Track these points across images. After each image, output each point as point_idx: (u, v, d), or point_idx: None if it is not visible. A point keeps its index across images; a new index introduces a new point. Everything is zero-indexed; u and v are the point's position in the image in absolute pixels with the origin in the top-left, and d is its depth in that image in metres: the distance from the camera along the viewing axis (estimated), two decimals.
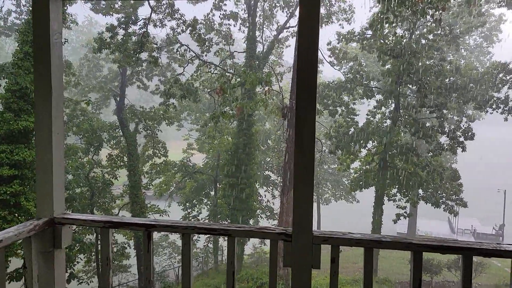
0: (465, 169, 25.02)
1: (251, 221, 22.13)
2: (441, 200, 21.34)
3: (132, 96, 25.61)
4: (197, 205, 25.47)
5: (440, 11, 11.55)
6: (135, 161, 21.41)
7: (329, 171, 33.27)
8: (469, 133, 20.15)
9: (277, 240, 2.52)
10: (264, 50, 21.60)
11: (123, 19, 18.53)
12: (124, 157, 21.82)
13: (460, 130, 20.33)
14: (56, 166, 2.50)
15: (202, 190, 25.66)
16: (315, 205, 32.92)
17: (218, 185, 25.33)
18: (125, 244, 20.54)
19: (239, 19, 22.09)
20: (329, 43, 22.21)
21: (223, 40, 22.42)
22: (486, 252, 2.30)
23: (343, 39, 20.90)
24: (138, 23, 18.41)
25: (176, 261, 24.19)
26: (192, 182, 25.68)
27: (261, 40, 21.99)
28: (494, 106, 20.19)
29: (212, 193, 26.09)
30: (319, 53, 22.65)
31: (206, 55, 20.61)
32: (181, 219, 23.43)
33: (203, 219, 24.73)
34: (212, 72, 21.30)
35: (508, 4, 16.82)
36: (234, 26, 22.57)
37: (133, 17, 18.63)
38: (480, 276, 19.18)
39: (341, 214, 34.82)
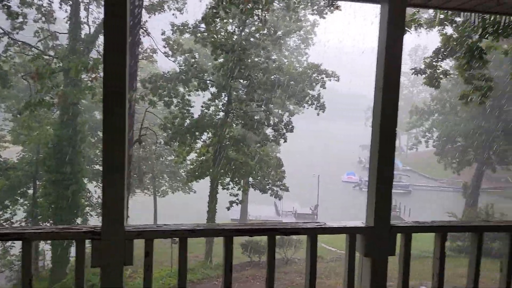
0: (287, 158, 28.04)
1: (78, 220, 20.32)
2: (267, 187, 23.47)
3: None
4: (11, 206, 22.02)
5: (265, 13, 12.56)
6: None
7: (166, 163, 32.97)
8: (290, 126, 22.64)
9: (84, 239, 2.31)
10: (91, 33, 19.78)
11: None
12: None
13: (283, 123, 22.67)
14: None
15: (17, 189, 22.28)
16: (151, 198, 32.56)
17: (37, 183, 22.46)
18: None
19: None
20: (163, 33, 21.84)
21: (42, 18, 19.63)
22: (286, 231, 2.55)
23: (177, 30, 20.84)
24: None
25: None
26: (4, 180, 22.03)
27: (87, 22, 20.04)
28: (309, 102, 23.06)
29: (31, 191, 22.97)
30: (153, 42, 22.09)
31: (17, 33, 17.68)
32: None
33: (18, 222, 21.61)
34: (26, 53, 18.42)
35: (319, 13, 19.54)
36: (60, 7, 19.88)
37: None
38: (299, 251, 21.85)
39: (179, 205, 35.00)
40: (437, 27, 10.85)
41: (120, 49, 2.15)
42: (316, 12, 19.97)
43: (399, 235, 2.59)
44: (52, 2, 19.53)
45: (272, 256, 2.50)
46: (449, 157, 33.77)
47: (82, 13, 20.14)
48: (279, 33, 21.52)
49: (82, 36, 19.82)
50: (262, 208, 37.30)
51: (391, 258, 2.58)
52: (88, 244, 2.31)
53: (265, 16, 13.29)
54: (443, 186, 50.94)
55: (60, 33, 19.98)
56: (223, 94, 22.13)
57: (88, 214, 22.45)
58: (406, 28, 9.67)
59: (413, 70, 12.45)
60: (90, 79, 14.79)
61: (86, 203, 21.80)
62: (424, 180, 56.56)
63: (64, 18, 19.62)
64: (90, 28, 20.37)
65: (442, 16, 10.11)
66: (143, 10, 19.06)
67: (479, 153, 31.82)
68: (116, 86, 2.18)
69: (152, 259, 2.37)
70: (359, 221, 2.59)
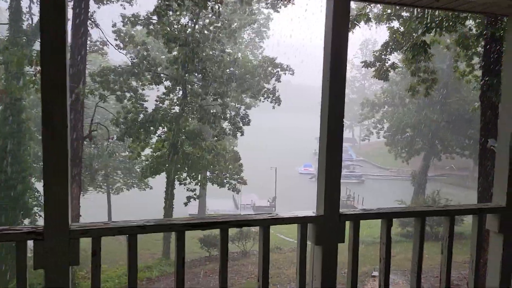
0: (245, 151, 28.11)
1: (26, 221, 19.32)
2: (225, 180, 23.44)
3: None
4: None
5: (218, 5, 12.44)
6: None
7: (120, 159, 32.02)
8: (246, 119, 22.73)
9: (26, 240, 2.19)
10: (34, 24, 18.65)
11: None
12: None
13: (239, 117, 22.69)
14: None
15: None
16: (105, 196, 31.50)
17: None
18: None
19: None
20: (114, 25, 21.06)
21: None
22: (239, 223, 2.55)
23: (129, 22, 20.17)
24: None
25: None
26: None
27: (30, 12, 18.85)
28: (265, 96, 23.21)
29: None
30: (102, 34, 21.28)
31: None
32: None
33: None
34: None
35: (273, 6, 19.64)
36: None
37: None
38: (258, 243, 22.08)
39: (135, 202, 34.19)
40: (385, 21, 11.21)
41: (59, 38, 2.04)
42: (269, 6, 20.07)
43: (348, 223, 2.66)
44: None
45: (225, 249, 2.49)
46: (398, 147, 35.34)
47: (25, 3, 18.99)
48: (233, 26, 21.41)
49: (24, 27, 18.69)
50: (220, 202, 37.25)
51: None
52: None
53: (218, 8, 13.16)
54: (393, 175, 53.22)
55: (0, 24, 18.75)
56: (177, 88, 21.75)
57: (37, 214, 21.35)
58: (355, 23, 9.96)
59: (363, 63, 12.83)
60: (34, 72, 14.00)
61: (34, 203, 20.70)
62: (376, 169, 58.80)
63: (6, 9, 18.36)
64: (32, 19, 19.24)
65: (389, 11, 10.47)
66: (91, 0, 18.27)
67: (426, 142, 33.54)
68: (55, 79, 2.07)
69: (100, 258, 2.29)
70: (310, 211, 2.63)
